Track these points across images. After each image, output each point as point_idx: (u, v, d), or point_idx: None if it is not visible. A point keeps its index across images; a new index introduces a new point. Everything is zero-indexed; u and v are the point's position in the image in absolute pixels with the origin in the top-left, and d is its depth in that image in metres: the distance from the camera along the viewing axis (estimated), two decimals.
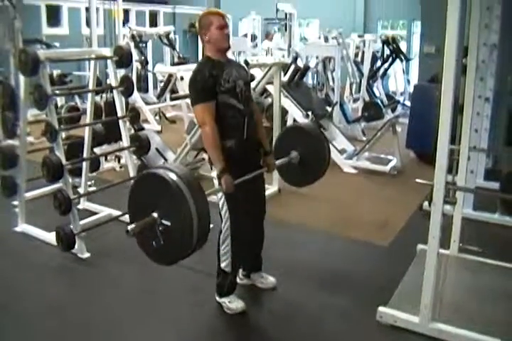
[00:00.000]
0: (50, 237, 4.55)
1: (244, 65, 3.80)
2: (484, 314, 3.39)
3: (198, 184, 2.69)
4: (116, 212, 5.05)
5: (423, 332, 3.20)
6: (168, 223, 2.60)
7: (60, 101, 7.78)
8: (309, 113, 7.41)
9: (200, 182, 2.71)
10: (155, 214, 2.63)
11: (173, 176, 2.61)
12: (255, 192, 3.61)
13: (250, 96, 3.51)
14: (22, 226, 4.94)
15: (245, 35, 14.87)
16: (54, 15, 13.86)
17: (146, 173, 2.84)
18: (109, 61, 4.91)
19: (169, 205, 2.62)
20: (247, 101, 3.41)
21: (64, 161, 4.31)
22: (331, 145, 7.18)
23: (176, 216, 2.61)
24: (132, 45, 10.83)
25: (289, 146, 3.91)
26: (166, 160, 6.37)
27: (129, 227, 2.60)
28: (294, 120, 7.68)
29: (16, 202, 5.06)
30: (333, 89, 9.61)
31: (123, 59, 4.83)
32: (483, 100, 4.94)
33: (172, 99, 10.22)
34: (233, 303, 3.54)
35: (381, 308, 3.37)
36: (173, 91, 10.16)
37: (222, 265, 3.50)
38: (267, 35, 14.36)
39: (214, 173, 3.30)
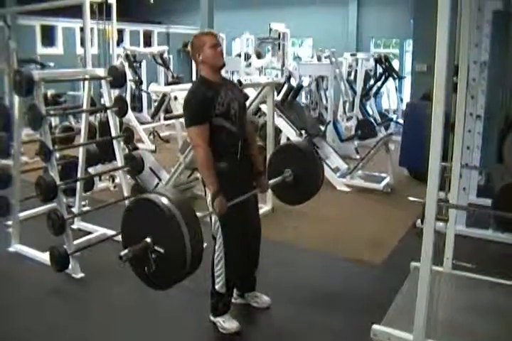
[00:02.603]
0: (44, 257, 4.53)
1: (237, 84, 3.82)
2: (478, 331, 3.38)
3: (190, 208, 2.69)
4: (110, 232, 5.04)
5: None
6: (161, 249, 2.59)
7: (54, 121, 7.82)
8: (303, 132, 7.45)
9: (192, 206, 2.71)
10: (148, 240, 2.61)
11: (165, 201, 2.60)
12: (249, 212, 3.61)
13: (244, 118, 3.53)
14: (16, 247, 4.93)
15: (239, 55, 14.97)
16: (48, 35, 13.97)
17: (138, 199, 2.84)
18: (103, 81, 4.94)
19: (162, 230, 2.62)
20: (240, 123, 3.43)
21: (58, 181, 4.32)
22: (324, 164, 7.27)
23: (169, 241, 2.60)
24: (126, 64, 10.92)
25: (282, 165, 3.93)
26: (160, 179, 6.38)
27: (122, 253, 2.59)
28: (288, 139, 7.72)
29: (9, 222, 5.05)
30: (326, 108, 9.70)
31: (117, 79, 4.87)
32: (474, 117, 4.98)
33: (166, 119, 10.26)
34: (227, 323, 3.53)
35: (375, 326, 3.36)
36: (167, 110, 10.20)
37: (217, 287, 3.50)
38: (258, 55, 14.47)
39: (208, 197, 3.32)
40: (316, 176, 3.98)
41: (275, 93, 6.56)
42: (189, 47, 3.50)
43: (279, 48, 12.29)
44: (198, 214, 2.78)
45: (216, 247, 3.45)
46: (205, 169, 3.24)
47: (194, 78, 14.79)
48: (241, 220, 3.44)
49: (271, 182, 3.78)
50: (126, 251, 2.59)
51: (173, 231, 2.56)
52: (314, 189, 4.01)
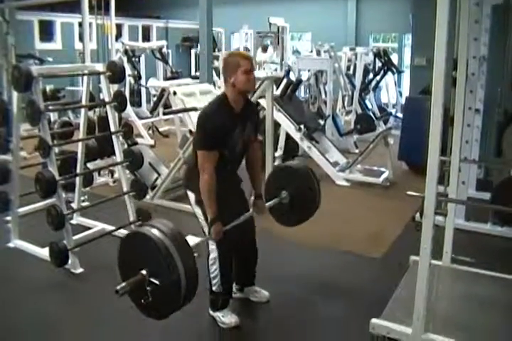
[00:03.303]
0: (44, 253, 4.54)
1: (256, 107, 3.79)
2: (477, 324, 3.39)
3: (184, 240, 2.72)
4: (109, 227, 5.06)
5: None
6: (156, 282, 2.63)
7: (53, 116, 7.80)
8: (302, 126, 7.45)
9: (185, 238, 2.75)
10: (144, 272, 2.65)
11: (157, 233, 2.64)
12: (245, 229, 3.61)
13: (248, 144, 3.53)
14: (15, 242, 4.93)
15: (238, 49, 14.95)
16: (47, 30, 13.94)
17: (132, 233, 2.88)
18: (102, 76, 4.93)
19: (157, 263, 2.65)
20: (240, 152, 3.48)
21: (57, 176, 4.32)
22: (323, 158, 7.28)
23: (164, 274, 2.64)
24: (125, 59, 10.90)
25: (279, 186, 3.96)
26: (159, 174, 6.38)
27: (119, 287, 2.61)
28: (286, 135, 7.73)
29: (8, 218, 5.05)
30: (325, 102, 9.69)
31: (116, 74, 4.85)
32: (473, 112, 4.97)
33: (165, 114, 10.26)
34: (226, 317, 3.54)
35: (374, 320, 3.37)
36: (166, 105, 10.20)
37: (214, 288, 3.52)
38: (264, 48, 14.45)
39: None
40: (313, 198, 4.02)
41: (274, 87, 6.55)
42: (220, 64, 3.47)
43: (278, 42, 12.29)
44: (195, 239, 2.82)
45: (210, 248, 3.47)
46: (207, 194, 3.24)
47: (193, 72, 14.82)
48: (236, 237, 3.46)
49: (268, 204, 3.80)
50: (123, 284, 2.62)
51: (168, 263, 2.61)
52: (311, 211, 4.05)
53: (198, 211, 3.48)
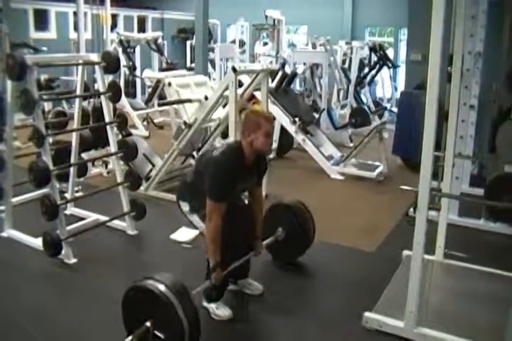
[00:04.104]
0: (37, 243, 4.53)
1: (266, 161, 3.72)
2: (469, 319, 3.43)
3: (186, 292, 2.85)
4: (103, 218, 5.05)
5: (408, 337, 3.22)
6: (161, 335, 2.76)
7: (47, 106, 7.77)
8: (296, 119, 7.45)
9: (188, 291, 2.88)
10: (148, 324, 2.77)
11: (161, 287, 2.78)
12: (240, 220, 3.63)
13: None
14: (8, 232, 4.92)
15: (233, 42, 14.92)
16: (42, 19, 13.83)
17: (135, 286, 2.96)
18: (96, 66, 4.91)
19: (161, 316, 2.77)
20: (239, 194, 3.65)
21: (51, 166, 4.30)
22: (318, 152, 7.29)
23: (168, 325, 2.75)
24: (120, 50, 10.85)
25: (274, 223, 4.14)
26: (153, 165, 6.37)
27: (126, 340, 2.76)
28: (281, 128, 7.74)
29: (2, 208, 5.03)
30: (320, 96, 9.68)
31: (111, 65, 4.83)
32: (468, 107, 4.98)
33: (160, 105, 10.23)
34: (220, 310, 3.55)
35: (367, 313, 3.39)
36: (161, 96, 10.16)
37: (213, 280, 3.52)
38: (265, 43, 14.45)
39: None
40: (307, 235, 4.23)
41: (269, 80, 6.54)
42: (242, 118, 3.48)
43: (274, 35, 12.27)
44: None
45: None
46: (212, 244, 3.29)
47: (188, 64, 14.77)
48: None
49: (265, 242, 3.92)
50: (129, 338, 2.75)
51: (172, 317, 2.73)
52: (304, 246, 4.26)
53: (195, 219, 3.56)
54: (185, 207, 3.57)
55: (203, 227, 3.45)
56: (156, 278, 2.88)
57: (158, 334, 2.77)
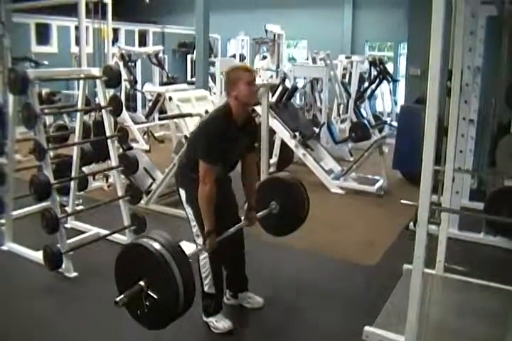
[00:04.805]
0: (37, 256, 4.53)
1: (257, 124, 3.80)
2: (469, 333, 3.41)
3: (182, 252, 2.74)
4: (103, 231, 5.06)
5: None
6: (154, 294, 2.64)
7: (49, 119, 7.79)
8: (297, 133, 7.47)
9: (184, 251, 2.76)
10: (142, 283, 2.66)
11: (158, 247, 2.66)
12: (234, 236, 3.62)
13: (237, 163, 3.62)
14: (8, 245, 4.92)
15: (234, 56, 14.99)
16: (43, 33, 13.92)
17: (131, 244, 2.89)
18: (98, 80, 4.94)
19: (155, 275, 2.66)
20: (231, 167, 3.58)
21: (52, 180, 4.31)
22: (318, 166, 7.30)
23: (162, 286, 2.65)
24: (121, 64, 10.90)
25: (268, 197, 4.00)
26: (153, 179, 6.39)
27: (118, 298, 2.61)
28: (282, 142, 7.75)
29: (2, 221, 5.04)
30: (320, 110, 9.71)
31: (112, 79, 4.86)
32: (467, 122, 5.00)
33: (161, 119, 10.27)
34: (220, 323, 3.54)
35: (367, 328, 3.38)
36: (162, 110, 10.20)
37: (206, 288, 3.53)
38: (264, 57, 14.49)
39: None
40: (301, 209, 4.06)
41: (270, 94, 6.58)
42: (223, 77, 3.49)
43: (274, 50, 12.35)
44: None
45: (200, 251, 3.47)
46: (206, 206, 3.25)
47: (189, 78, 14.83)
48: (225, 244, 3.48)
49: (259, 215, 3.83)
50: (121, 296, 2.63)
51: (167, 276, 2.62)
52: (298, 221, 4.10)
53: (189, 211, 3.50)
54: (183, 195, 3.52)
55: (195, 223, 3.44)
56: (152, 236, 2.75)
57: (152, 293, 2.64)
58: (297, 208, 4.01)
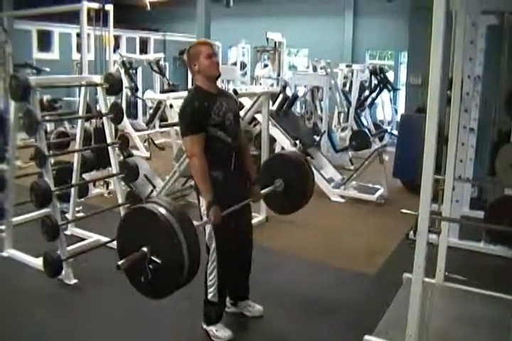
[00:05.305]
0: (37, 263, 4.53)
1: (233, 95, 3.83)
2: None
3: (188, 219, 2.68)
4: (104, 238, 5.05)
5: None
6: (158, 259, 2.57)
7: (50, 126, 7.81)
8: (297, 142, 7.48)
9: (189, 216, 2.71)
10: (145, 249, 2.59)
11: (163, 211, 2.59)
12: (243, 221, 3.63)
13: (239, 129, 3.55)
14: (8, 252, 4.92)
15: (234, 64, 15.01)
16: (45, 40, 13.98)
17: (135, 208, 2.84)
18: (99, 88, 4.95)
19: (160, 241, 2.60)
20: (235, 134, 3.45)
21: (52, 187, 4.32)
22: (318, 174, 7.29)
23: (167, 252, 2.58)
24: (122, 71, 10.94)
25: (273, 174, 3.96)
26: (154, 187, 6.38)
27: (120, 262, 2.57)
28: (282, 148, 7.75)
29: (2, 227, 5.03)
30: (321, 118, 9.72)
31: (113, 86, 4.88)
32: (467, 131, 5.01)
33: (161, 127, 10.28)
34: (220, 332, 3.53)
35: (367, 337, 3.37)
36: (162, 118, 10.22)
37: (210, 296, 3.51)
38: (265, 65, 14.53)
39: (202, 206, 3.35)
40: (306, 187, 4.02)
41: (270, 102, 6.59)
42: (185, 56, 3.50)
43: (275, 58, 12.37)
44: (194, 223, 2.79)
45: (209, 257, 3.45)
46: (201, 178, 3.26)
47: (190, 86, 14.83)
48: (234, 229, 3.45)
49: (263, 191, 3.80)
50: (123, 260, 2.57)
51: (171, 242, 2.55)
52: (303, 199, 4.06)
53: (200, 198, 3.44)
54: (194, 183, 3.49)
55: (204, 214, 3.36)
56: (157, 201, 2.70)
57: (155, 259, 2.57)
58: (302, 185, 3.98)
